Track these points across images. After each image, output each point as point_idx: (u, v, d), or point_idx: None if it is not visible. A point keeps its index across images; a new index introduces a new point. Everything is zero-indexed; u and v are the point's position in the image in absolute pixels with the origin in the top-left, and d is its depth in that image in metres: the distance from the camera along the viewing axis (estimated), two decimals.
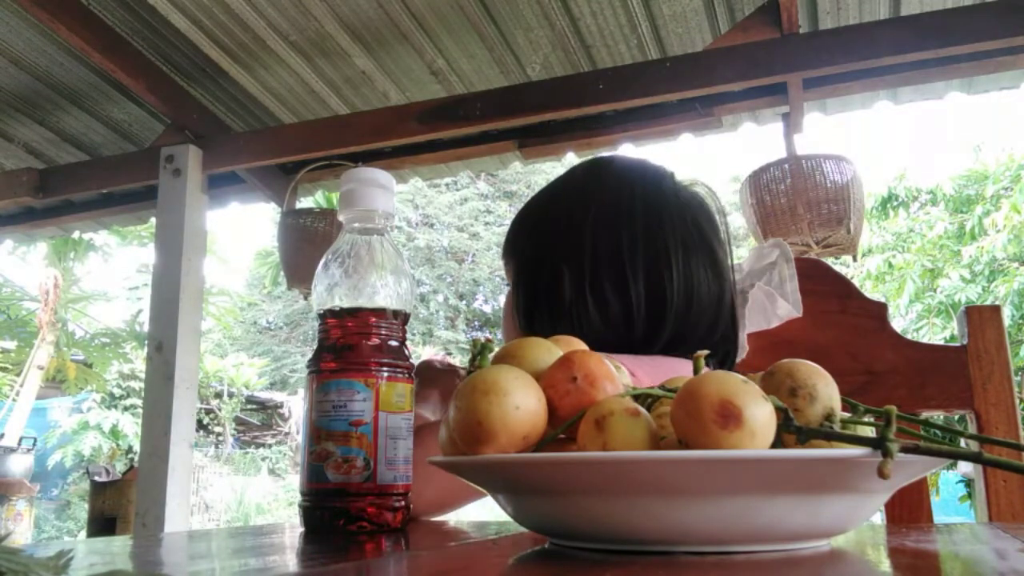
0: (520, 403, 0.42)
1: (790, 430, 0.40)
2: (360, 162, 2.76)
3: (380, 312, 0.61)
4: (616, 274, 0.88)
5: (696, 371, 0.47)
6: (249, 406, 11.43)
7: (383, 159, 2.77)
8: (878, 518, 0.94)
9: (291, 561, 0.45)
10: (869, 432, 0.42)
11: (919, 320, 7.06)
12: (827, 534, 0.43)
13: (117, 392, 9.40)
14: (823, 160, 2.22)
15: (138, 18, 2.38)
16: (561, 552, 0.43)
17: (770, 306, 1.00)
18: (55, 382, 8.07)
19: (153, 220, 2.88)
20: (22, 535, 5.70)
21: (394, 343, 0.61)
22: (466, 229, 18.84)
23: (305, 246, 2.69)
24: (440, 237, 18.83)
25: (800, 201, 2.19)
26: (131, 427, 8.84)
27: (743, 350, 0.98)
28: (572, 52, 2.40)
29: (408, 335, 0.65)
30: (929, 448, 0.38)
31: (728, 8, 2.23)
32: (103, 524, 3.90)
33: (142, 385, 5.57)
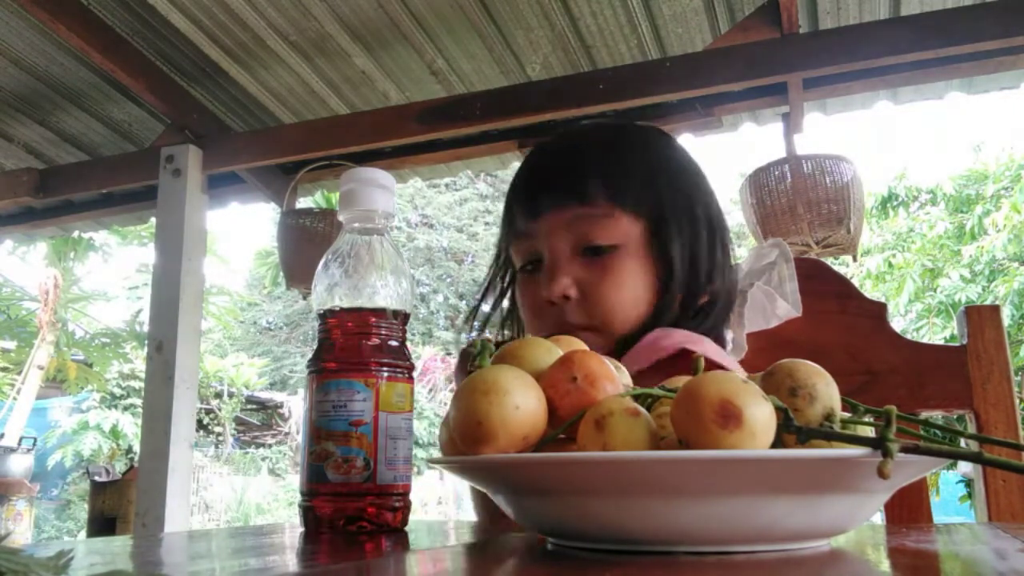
0: (520, 403, 0.42)
1: (790, 430, 0.40)
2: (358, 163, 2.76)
3: (380, 312, 0.61)
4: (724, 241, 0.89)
5: (695, 372, 0.47)
6: (249, 406, 11.42)
7: (383, 159, 2.77)
8: (878, 518, 0.94)
9: (291, 561, 0.45)
10: (869, 432, 0.42)
11: (919, 320, 7.06)
12: (827, 534, 0.43)
13: (117, 392, 9.40)
14: (823, 160, 2.22)
15: (138, 18, 2.37)
16: (561, 552, 0.43)
17: (769, 306, 1.00)
18: (55, 382, 8.07)
19: (153, 220, 2.88)
20: (22, 535, 5.70)
21: (394, 343, 0.61)
22: (465, 230, 18.84)
23: (305, 246, 2.69)
24: (440, 237, 18.82)
25: (800, 201, 2.19)
26: (131, 427, 8.83)
27: (742, 350, 0.98)
28: (572, 52, 2.40)
29: (408, 335, 0.65)
30: (929, 448, 0.38)
31: (728, 8, 2.22)
32: (103, 524, 3.90)
33: (142, 385, 5.57)
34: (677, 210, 0.84)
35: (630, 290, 0.82)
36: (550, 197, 0.83)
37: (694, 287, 0.84)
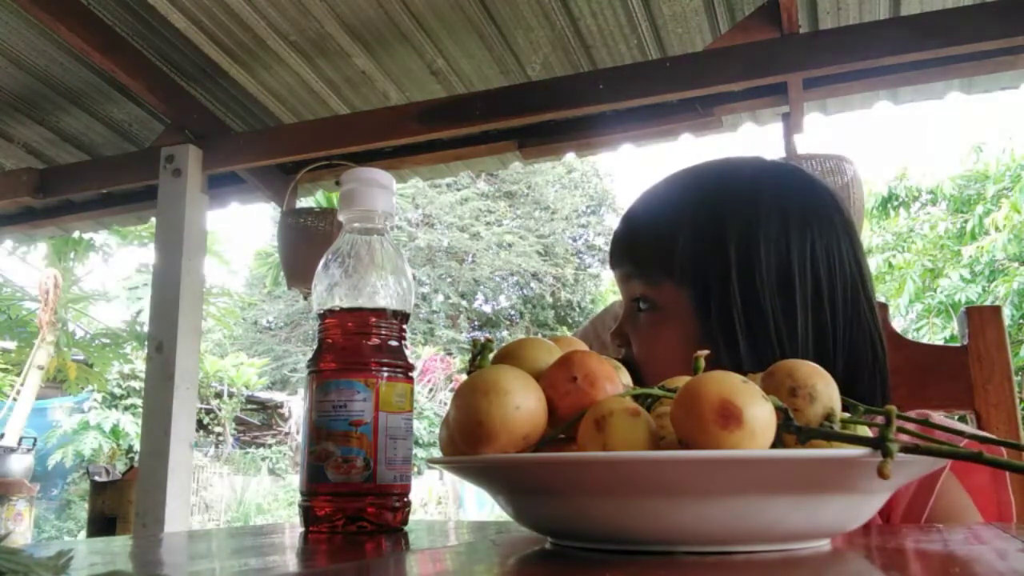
0: (520, 403, 0.42)
1: (790, 430, 0.40)
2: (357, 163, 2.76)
3: (380, 312, 0.61)
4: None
5: (695, 371, 0.47)
6: (249, 406, 11.42)
7: (383, 159, 2.77)
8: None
9: (291, 561, 0.45)
10: (869, 432, 0.42)
11: (919, 320, 7.07)
12: (827, 534, 0.43)
13: (117, 392, 9.40)
14: (823, 160, 2.22)
15: (138, 18, 2.37)
16: (561, 552, 0.43)
17: None
18: (55, 382, 8.07)
19: (153, 220, 2.88)
20: (22, 535, 5.69)
21: (394, 343, 0.61)
22: (467, 229, 18.84)
23: (305, 246, 2.69)
24: (441, 237, 18.82)
25: None
26: (131, 427, 8.83)
27: None
28: (572, 52, 2.40)
29: (409, 334, 0.65)
30: (929, 448, 0.38)
31: (728, 8, 2.22)
32: (103, 524, 3.90)
33: (142, 385, 5.56)
34: (726, 280, 0.74)
35: (664, 350, 0.77)
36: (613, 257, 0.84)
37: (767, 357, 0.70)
